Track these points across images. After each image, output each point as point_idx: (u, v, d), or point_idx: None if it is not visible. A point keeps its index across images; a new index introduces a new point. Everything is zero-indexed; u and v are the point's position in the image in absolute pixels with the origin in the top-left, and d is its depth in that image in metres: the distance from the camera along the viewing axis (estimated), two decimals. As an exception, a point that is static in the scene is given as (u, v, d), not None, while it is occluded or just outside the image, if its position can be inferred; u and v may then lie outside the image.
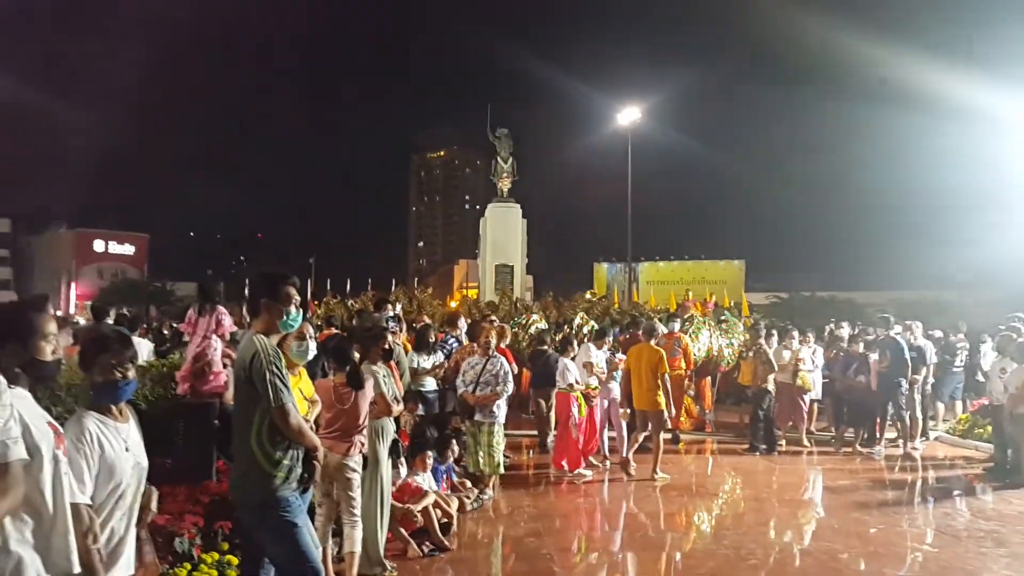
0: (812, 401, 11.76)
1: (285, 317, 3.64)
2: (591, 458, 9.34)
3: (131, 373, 2.95)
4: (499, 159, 25.24)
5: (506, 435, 8.56)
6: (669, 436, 11.19)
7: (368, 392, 5.05)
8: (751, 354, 11.35)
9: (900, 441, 10.86)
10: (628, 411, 9.45)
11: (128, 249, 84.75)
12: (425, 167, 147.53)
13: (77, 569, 2.45)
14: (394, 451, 5.57)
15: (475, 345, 8.15)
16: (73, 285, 73.05)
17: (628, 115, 29.91)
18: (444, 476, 7.13)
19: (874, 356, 10.90)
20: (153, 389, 6.43)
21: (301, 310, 3.76)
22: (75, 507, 2.54)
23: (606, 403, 9.54)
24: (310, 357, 4.51)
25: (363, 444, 5.03)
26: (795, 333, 11.76)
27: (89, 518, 2.59)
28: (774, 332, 12.17)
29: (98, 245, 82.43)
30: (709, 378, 13.20)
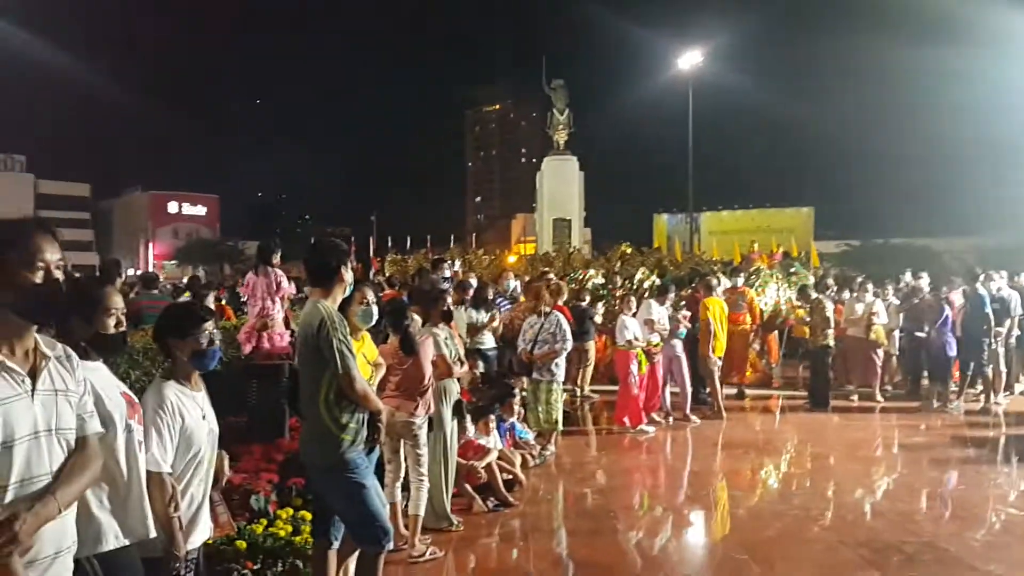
0: (889, 355, 11.40)
1: (348, 285, 3.80)
2: (653, 414, 9.28)
3: (218, 340, 2.98)
4: (555, 111, 24.81)
5: (566, 390, 8.58)
6: (734, 392, 11.11)
7: (427, 354, 5.08)
8: (807, 308, 11.02)
9: (982, 396, 10.47)
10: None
11: (200, 210, 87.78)
12: (480, 121, 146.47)
13: (153, 533, 2.55)
14: (458, 411, 5.62)
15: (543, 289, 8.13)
16: (151, 245, 75.99)
17: (689, 59, 28.98)
18: (507, 433, 7.18)
19: (944, 307, 10.48)
20: (226, 351, 6.59)
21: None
22: (158, 476, 2.63)
23: (668, 359, 9.42)
24: (373, 322, 4.54)
25: (430, 405, 5.08)
26: (869, 286, 11.35)
27: (171, 487, 2.67)
28: (830, 285, 11.74)
29: (172, 207, 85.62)
30: (776, 332, 12.93)
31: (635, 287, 12.56)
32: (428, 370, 5.07)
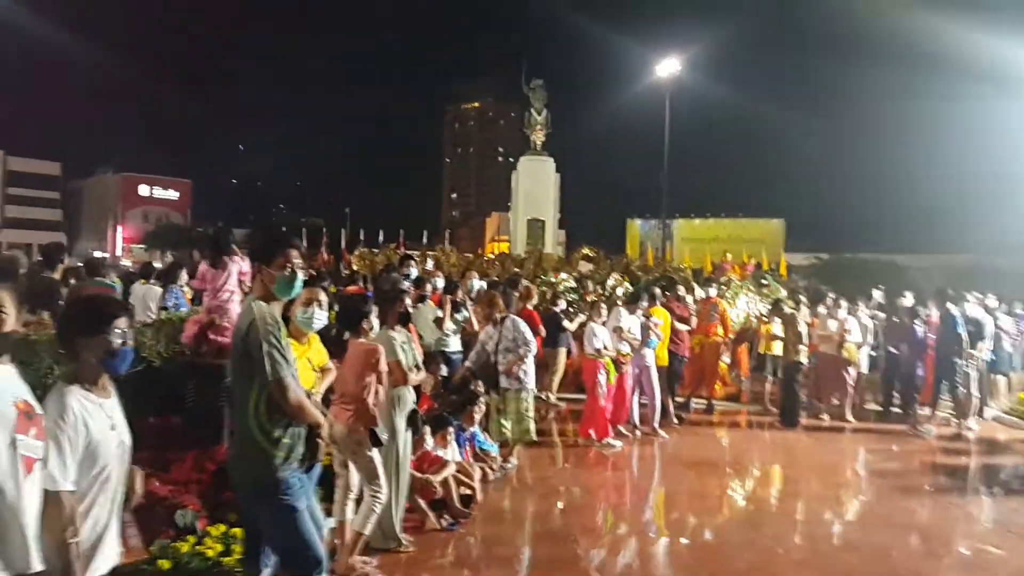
0: (859, 374, 11.18)
1: (278, 284, 3.29)
2: (620, 427, 8.94)
3: (131, 340, 2.65)
4: (533, 111, 24.49)
5: (536, 397, 8.21)
6: (703, 406, 10.83)
7: (361, 360, 4.57)
8: (777, 323, 10.80)
9: (954, 420, 10.31)
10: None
11: (172, 194, 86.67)
12: (459, 118, 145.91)
13: (36, 567, 2.18)
14: (412, 422, 5.18)
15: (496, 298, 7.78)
16: (120, 228, 74.51)
17: (667, 67, 28.77)
18: (467, 444, 6.78)
19: (918, 328, 10.32)
20: (167, 346, 6.11)
21: (300, 274, 3.37)
22: (55, 496, 2.28)
23: (638, 370, 9.10)
24: (318, 326, 4.09)
25: (370, 417, 4.59)
26: (842, 302, 11.13)
27: (69, 508, 2.32)
28: (801, 300, 11.55)
29: (143, 190, 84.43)
30: (747, 344, 12.70)
31: (607, 293, 12.23)
32: (364, 377, 4.56)
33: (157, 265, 11.50)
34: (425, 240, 27.76)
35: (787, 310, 10.59)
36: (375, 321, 4.87)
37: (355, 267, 16.62)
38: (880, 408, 11.30)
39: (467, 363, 7.53)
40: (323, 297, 4.18)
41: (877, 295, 13.47)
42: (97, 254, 44.94)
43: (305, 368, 3.96)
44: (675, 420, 9.74)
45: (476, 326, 8.56)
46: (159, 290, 9.07)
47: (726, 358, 11.79)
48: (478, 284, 9.98)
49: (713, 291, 11.53)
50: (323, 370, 4.40)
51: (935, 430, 10.00)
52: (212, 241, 6.61)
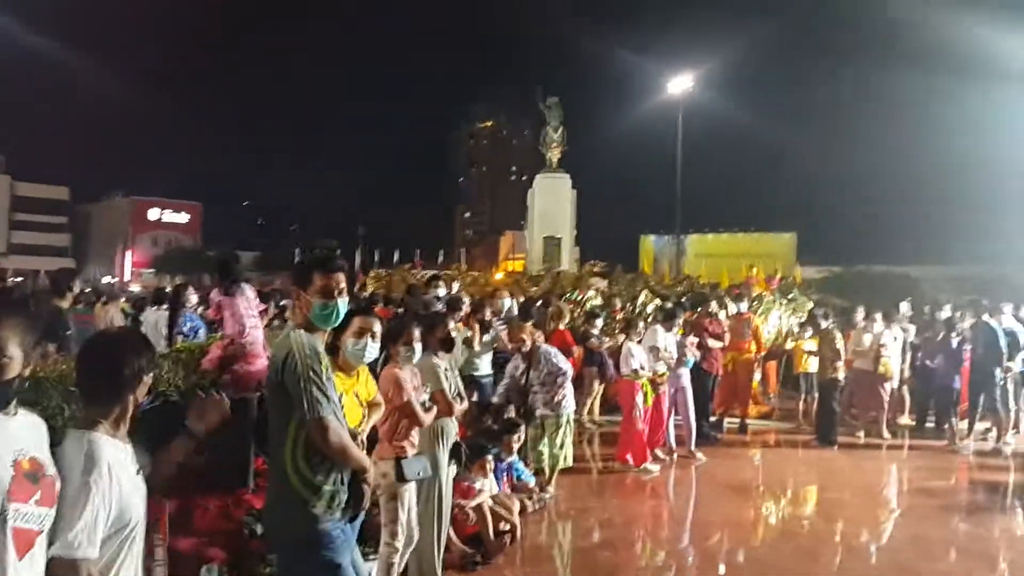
0: (894, 390, 10.83)
1: (316, 311, 2.97)
2: (656, 451, 8.63)
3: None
4: (549, 128, 24.40)
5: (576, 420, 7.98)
6: (736, 425, 10.50)
7: (387, 390, 4.25)
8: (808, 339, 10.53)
9: (990, 435, 9.97)
10: None
11: (182, 217, 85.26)
12: (472, 137, 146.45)
13: None
14: (455, 455, 4.87)
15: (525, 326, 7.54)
16: (129, 253, 74.09)
17: (679, 83, 28.63)
18: (504, 474, 6.49)
19: (957, 342, 10.04)
20: (186, 378, 5.71)
21: (344, 301, 3.03)
22: (72, 564, 1.96)
23: (673, 390, 8.79)
24: (369, 359, 3.74)
25: (399, 448, 4.30)
26: (877, 316, 10.80)
27: None
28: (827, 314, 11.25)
29: (153, 213, 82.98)
30: (775, 361, 12.37)
31: (638, 311, 11.94)
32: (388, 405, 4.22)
33: (168, 290, 11.20)
34: (441, 259, 27.68)
35: (823, 325, 10.28)
36: (417, 347, 4.53)
37: (371, 288, 16.39)
38: (914, 423, 11.00)
39: (496, 398, 7.30)
40: (378, 328, 3.83)
41: (904, 308, 13.14)
42: (105, 280, 44.45)
43: (352, 403, 3.64)
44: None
45: (508, 346, 8.31)
46: (164, 314, 8.76)
47: (757, 375, 11.48)
48: (508, 303, 9.66)
49: (744, 306, 11.23)
50: (371, 405, 4.03)
51: (973, 445, 9.70)
52: (220, 266, 6.19)
